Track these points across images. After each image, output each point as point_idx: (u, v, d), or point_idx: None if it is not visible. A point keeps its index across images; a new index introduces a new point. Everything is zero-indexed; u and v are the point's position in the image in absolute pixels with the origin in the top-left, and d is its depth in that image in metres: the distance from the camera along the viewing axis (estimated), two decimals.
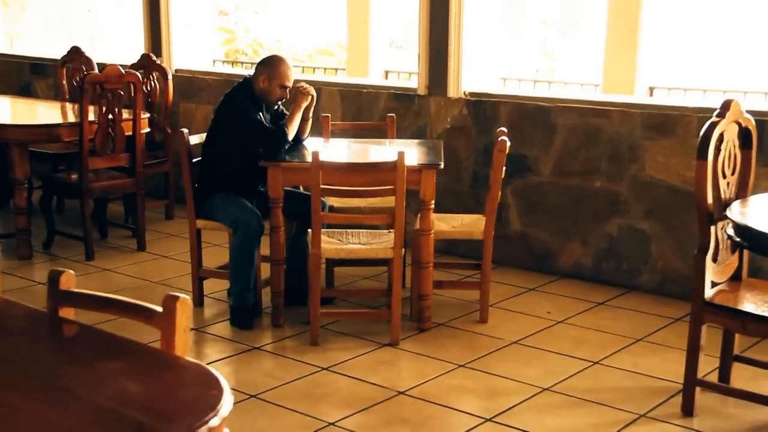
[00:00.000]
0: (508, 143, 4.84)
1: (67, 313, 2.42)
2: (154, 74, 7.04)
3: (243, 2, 12.11)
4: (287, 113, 5.18)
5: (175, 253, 6.22)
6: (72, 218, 6.72)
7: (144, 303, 2.28)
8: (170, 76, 6.97)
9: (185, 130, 5.02)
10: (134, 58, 7.11)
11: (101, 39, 11.30)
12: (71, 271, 2.42)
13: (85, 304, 2.41)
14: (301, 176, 4.81)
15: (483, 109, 5.95)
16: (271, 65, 4.98)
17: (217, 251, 5.86)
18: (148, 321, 2.28)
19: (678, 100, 6.46)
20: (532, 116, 5.76)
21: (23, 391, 1.93)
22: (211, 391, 1.90)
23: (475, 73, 6.07)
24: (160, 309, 2.23)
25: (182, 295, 2.22)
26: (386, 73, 9.32)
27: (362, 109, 6.46)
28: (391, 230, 4.84)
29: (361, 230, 4.82)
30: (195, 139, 5.16)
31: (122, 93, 6.00)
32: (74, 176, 6.01)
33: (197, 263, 5.14)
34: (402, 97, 6.31)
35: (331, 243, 4.61)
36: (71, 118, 6.77)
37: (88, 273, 5.75)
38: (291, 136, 4.90)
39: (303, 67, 9.98)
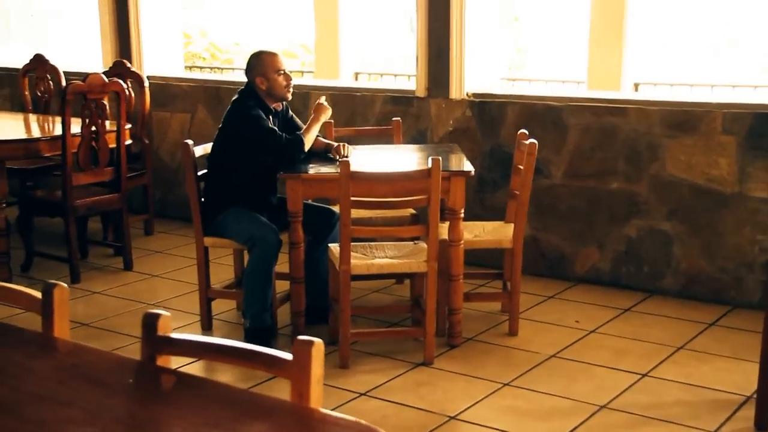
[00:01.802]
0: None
1: (165, 361, 2.11)
2: (128, 82, 6.63)
3: (195, 2, 11.64)
4: (296, 119, 4.88)
5: (166, 271, 5.85)
6: (45, 237, 6.29)
7: (269, 350, 1.97)
8: (146, 84, 6.58)
9: (190, 142, 4.67)
10: (94, 65, 6.69)
11: (46, 45, 10.76)
12: (168, 313, 2.11)
13: (192, 351, 2.10)
14: (323, 188, 4.50)
15: (488, 110, 5.71)
16: (257, 64, 4.67)
17: (214, 269, 5.50)
18: (275, 370, 1.98)
19: (700, 95, 6.27)
20: (542, 116, 5.54)
21: None
22: None
23: (478, 72, 5.83)
24: (288, 356, 1.94)
25: (315, 339, 1.93)
26: (356, 74, 9.03)
27: (356, 113, 6.17)
28: (415, 242, 4.58)
29: (385, 243, 4.54)
30: (199, 151, 4.80)
31: (105, 103, 5.61)
32: (57, 193, 5.59)
33: (206, 283, 4.79)
34: (400, 100, 6.04)
35: (358, 258, 4.31)
36: (36, 132, 6.36)
37: (76, 297, 5.35)
38: (308, 147, 4.60)
39: None
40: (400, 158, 4.95)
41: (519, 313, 4.72)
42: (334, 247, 4.48)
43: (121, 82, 5.71)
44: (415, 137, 5.92)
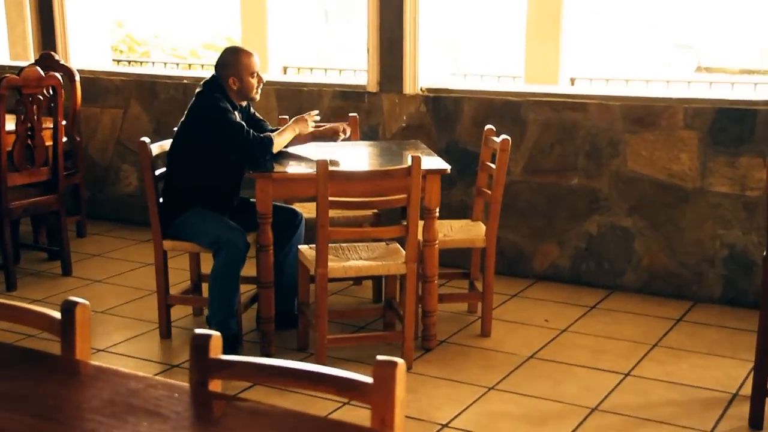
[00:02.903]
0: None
1: (216, 386, 1.91)
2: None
3: None
4: (257, 114, 4.66)
5: (108, 276, 5.54)
6: None
7: (345, 372, 1.80)
8: (77, 78, 6.24)
9: (147, 140, 4.40)
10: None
11: None
12: (218, 333, 1.91)
13: (251, 374, 1.90)
14: (294, 188, 4.29)
15: (443, 105, 5.59)
16: (233, 63, 4.43)
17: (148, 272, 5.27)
18: (352, 394, 1.81)
19: (661, 91, 6.27)
20: (500, 112, 5.45)
21: None
22: None
23: (432, 66, 5.70)
24: (368, 379, 1.77)
25: (397, 360, 1.76)
26: (285, 68, 8.80)
27: (303, 109, 5.94)
28: (388, 242, 4.43)
29: (356, 243, 4.37)
30: (155, 149, 4.52)
31: (42, 98, 5.28)
32: None
33: (165, 290, 4.54)
34: (350, 95, 5.87)
35: (333, 260, 4.13)
36: None
37: None
38: (276, 150, 4.37)
39: (190, 64, 9.29)
40: (364, 156, 4.78)
41: (492, 315, 4.61)
42: (305, 249, 4.30)
43: (58, 75, 5.38)
44: (367, 134, 5.75)
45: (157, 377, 1.95)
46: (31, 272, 5.63)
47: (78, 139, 6.24)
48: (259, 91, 4.48)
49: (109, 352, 4.42)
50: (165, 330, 4.57)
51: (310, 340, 4.42)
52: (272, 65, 8.71)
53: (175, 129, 4.65)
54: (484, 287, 4.57)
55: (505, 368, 4.22)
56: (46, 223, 5.89)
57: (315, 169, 4.27)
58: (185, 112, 4.44)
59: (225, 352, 1.87)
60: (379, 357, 1.77)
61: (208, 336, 1.91)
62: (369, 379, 1.77)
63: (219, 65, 4.45)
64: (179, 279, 5.06)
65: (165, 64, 9.26)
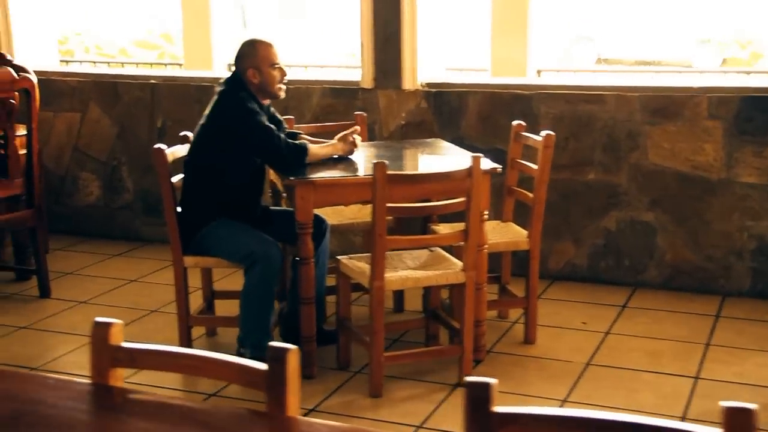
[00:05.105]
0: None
1: None
2: None
3: None
4: (277, 113, 4.27)
5: (92, 296, 5.04)
6: None
7: None
8: (35, 80, 5.67)
9: (163, 146, 3.96)
10: None
11: None
12: (493, 381, 1.58)
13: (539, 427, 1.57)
14: (338, 194, 3.93)
15: (446, 101, 5.30)
16: (250, 54, 4.05)
17: (150, 290, 4.83)
18: None
19: (682, 80, 6.08)
20: (509, 106, 5.19)
21: None
22: None
23: (431, 60, 5.41)
24: None
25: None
26: (230, 66, 8.33)
27: (290, 108, 5.56)
28: (431, 249, 4.11)
29: (400, 252, 4.04)
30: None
31: (13, 103, 4.75)
32: None
33: (185, 310, 4.11)
34: (342, 92, 5.51)
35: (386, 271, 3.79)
36: None
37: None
38: (308, 161, 4.00)
39: (122, 63, 8.69)
40: (395, 158, 4.45)
41: (537, 321, 4.36)
42: (348, 261, 3.95)
43: (32, 77, 4.85)
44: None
45: None
46: (2, 295, 5.07)
47: (36, 146, 5.67)
48: (283, 86, 4.10)
49: (133, 383, 3.95)
50: None
51: (351, 357, 4.08)
52: (217, 63, 8.24)
53: (184, 133, 4.25)
54: (529, 292, 4.31)
55: (568, 378, 3.96)
56: (13, 240, 5.33)
57: (355, 173, 3.97)
58: (206, 114, 4.02)
59: None
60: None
61: (487, 385, 1.58)
62: None
63: (237, 58, 4.07)
64: (174, 296, 4.61)
65: (94, 63, 8.66)
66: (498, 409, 1.57)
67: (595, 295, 4.97)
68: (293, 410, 1.71)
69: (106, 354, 1.81)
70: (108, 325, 1.81)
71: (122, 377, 1.86)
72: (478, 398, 1.57)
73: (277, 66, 4.02)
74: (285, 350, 1.70)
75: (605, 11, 16.64)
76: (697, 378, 3.95)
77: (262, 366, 1.72)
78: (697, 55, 15.21)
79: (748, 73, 7.44)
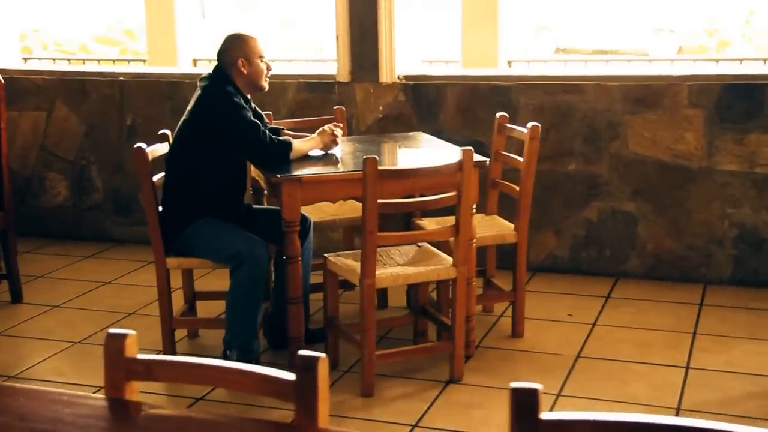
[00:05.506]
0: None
1: None
2: None
3: None
4: (260, 111, 4.18)
5: (65, 300, 4.91)
6: None
7: None
8: (1, 80, 5.51)
9: (143, 145, 3.85)
10: None
11: None
12: (538, 386, 1.52)
13: None
14: (325, 191, 3.85)
15: (424, 93, 5.24)
16: (239, 45, 3.97)
17: (125, 292, 4.71)
18: None
19: (662, 69, 6.06)
20: (487, 98, 5.15)
21: None
22: None
23: (408, 52, 5.34)
24: None
25: None
26: (195, 61, 8.20)
27: (265, 103, 5.44)
28: (419, 244, 4.05)
29: (388, 248, 3.97)
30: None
31: None
32: None
33: (169, 312, 4.01)
34: (317, 86, 5.43)
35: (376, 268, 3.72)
36: None
37: None
38: (292, 158, 3.92)
39: (84, 60, 8.51)
40: (376, 152, 4.38)
41: (525, 314, 4.32)
42: (336, 258, 3.87)
43: None
44: None
45: None
46: None
47: (5, 148, 5.51)
48: (268, 79, 4.03)
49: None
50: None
51: (340, 356, 4.01)
52: (182, 58, 8.10)
53: (163, 131, 4.14)
54: (516, 285, 4.27)
55: (559, 371, 3.93)
56: None
57: (342, 169, 3.90)
58: (188, 110, 3.92)
59: None
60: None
61: (535, 391, 1.52)
62: None
63: (223, 51, 3.97)
64: (152, 297, 4.52)
65: (53, 60, 8.47)
66: (546, 416, 1.51)
67: (578, 287, 4.94)
68: (324, 421, 1.64)
69: (120, 367, 1.73)
70: (122, 336, 1.72)
71: (138, 390, 1.77)
72: (525, 405, 1.52)
73: (263, 58, 3.95)
74: (315, 359, 1.63)
75: (563, 1, 16.69)
76: (687, 368, 3.94)
77: (290, 376, 1.65)
78: (654, 44, 15.33)
79: (718, 61, 7.47)
